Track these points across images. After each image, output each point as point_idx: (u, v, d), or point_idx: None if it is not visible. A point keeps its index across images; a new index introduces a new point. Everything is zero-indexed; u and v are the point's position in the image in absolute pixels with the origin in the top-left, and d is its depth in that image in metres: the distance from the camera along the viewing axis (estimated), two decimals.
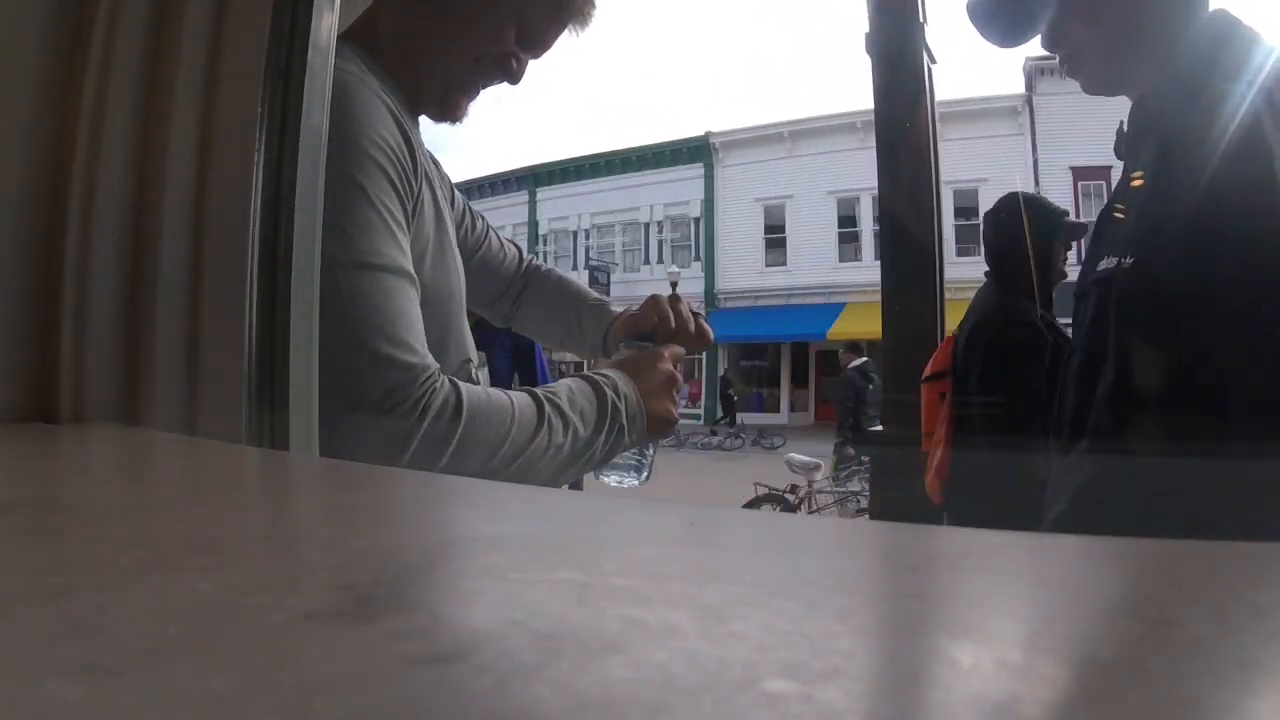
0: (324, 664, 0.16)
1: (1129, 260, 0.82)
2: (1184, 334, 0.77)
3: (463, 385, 0.69)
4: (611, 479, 0.89)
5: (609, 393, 0.78)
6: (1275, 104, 0.76)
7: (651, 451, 0.89)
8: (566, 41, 0.85)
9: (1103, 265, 0.86)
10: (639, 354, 0.86)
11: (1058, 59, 0.95)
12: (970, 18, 1.03)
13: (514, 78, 0.83)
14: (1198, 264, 0.76)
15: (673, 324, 0.91)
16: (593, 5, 0.84)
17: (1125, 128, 0.94)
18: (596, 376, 0.79)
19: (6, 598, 0.20)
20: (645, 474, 0.90)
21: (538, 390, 0.74)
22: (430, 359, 0.68)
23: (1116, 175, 0.99)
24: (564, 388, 0.76)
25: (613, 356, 0.90)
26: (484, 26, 0.79)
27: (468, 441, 0.67)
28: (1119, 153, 0.96)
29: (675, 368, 0.87)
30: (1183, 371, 0.77)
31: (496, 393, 0.72)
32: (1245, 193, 0.74)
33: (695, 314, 0.94)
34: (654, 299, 0.94)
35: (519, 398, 0.72)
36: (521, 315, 1.09)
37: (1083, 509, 0.83)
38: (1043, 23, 0.95)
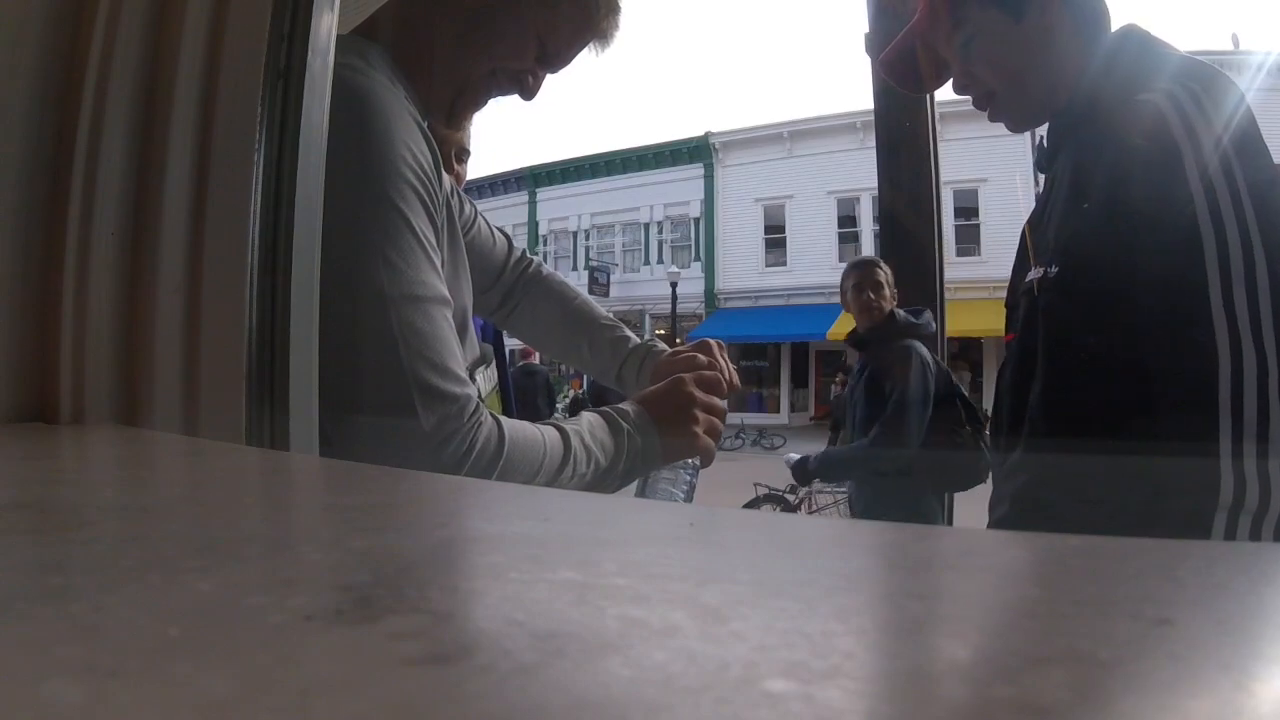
0: (324, 664, 0.16)
1: (1054, 270, 0.83)
2: (1108, 338, 0.78)
3: (503, 419, 0.70)
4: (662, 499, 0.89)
5: (624, 425, 0.79)
6: (1182, 108, 0.77)
7: (692, 476, 0.89)
8: (584, 58, 0.85)
9: (1030, 275, 0.88)
10: (660, 386, 0.86)
11: (973, 103, 0.96)
12: (880, 68, 1.04)
13: (529, 93, 0.82)
14: (1117, 269, 0.78)
15: (725, 374, 0.91)
16: (616, 27, 0.84)
17: (1044, 143, 0.96)
18: (612, 413, 0.80)
19: (6, 598, 0.20)
20: (692, 496, 0.90)
21: (564, 425, 0.76)
22: (473, 389, 0.69)
23: None
24: (585, 422, 0.77)
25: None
26: (507, 42, 0.78)
27: (507, 475, 0.68)
28: (1040, 167, 0.97)
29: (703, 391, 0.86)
30: (1110, 374, 0.78)
31: (529, 426, 0.73)
32: (1156, 196, 0.76)
33: (732, 366, 0.95)
34: (705, 343, 0.94)
35: (548, 432, 0.74)
36: (519, 320, 1.07)
37: (1023, 511, 0.85)
38: (950, 70, 0.96)
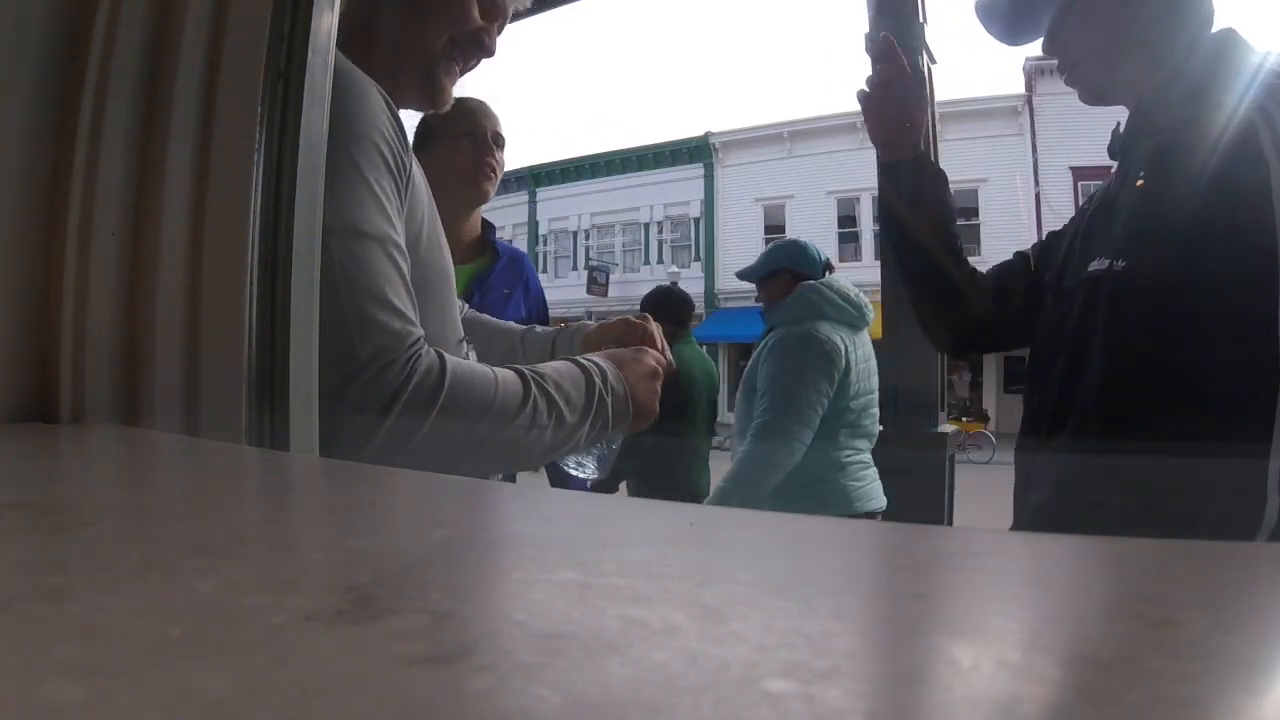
0: (324, 664, 0.16)
1: (1121, 263, 0.83)
2: (1174, 337, 0.78)
3: (447, 355, 0.70)
4: (571, 464, 0.89)
5: (597, 380, 0.78)
6: (1271, 118, 0.76)
7: (616, 445, 0.89)
8: (523, 8, 0.90)
9: (1093, 266, 0.87)
10: (626, 350, 0.86)
11: (1056, 66, 0.96)
12: (977, 13, 1.04)
13: (489, 50, 0.85)
14: (1190, 269, 0.77)
15: (661, 350, 0.92)
16: None
17: (1121, 129, 0.95)
18: (585, 363, 0.80)
19: (6, 598, 0.20)
20: (605, 467, 0.90)
21: (525, 369, 0.75)
22: (417, 327, 0.69)
23: None
24: (551, 369, 0.77)
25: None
26: (449, 8, 0.81)
27: (450, 410, 0.67)
28: (1113, 153, 0.97)
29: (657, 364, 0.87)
30: (1168, 377, 0.78)
31: (481, 367, 0.73)
32: (1239, 202, 0.76)
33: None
34: (626, 322, 0.95)
35: (504, 374, 0.73)
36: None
37: (1065, 501, 0.84)
38: (1045, 25, 0.96)
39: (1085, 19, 0.92)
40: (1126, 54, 0.91)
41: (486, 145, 1.62)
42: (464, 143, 1.61)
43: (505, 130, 1.66)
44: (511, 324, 1.08)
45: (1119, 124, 0.96)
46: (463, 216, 1.65)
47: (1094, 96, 0.96)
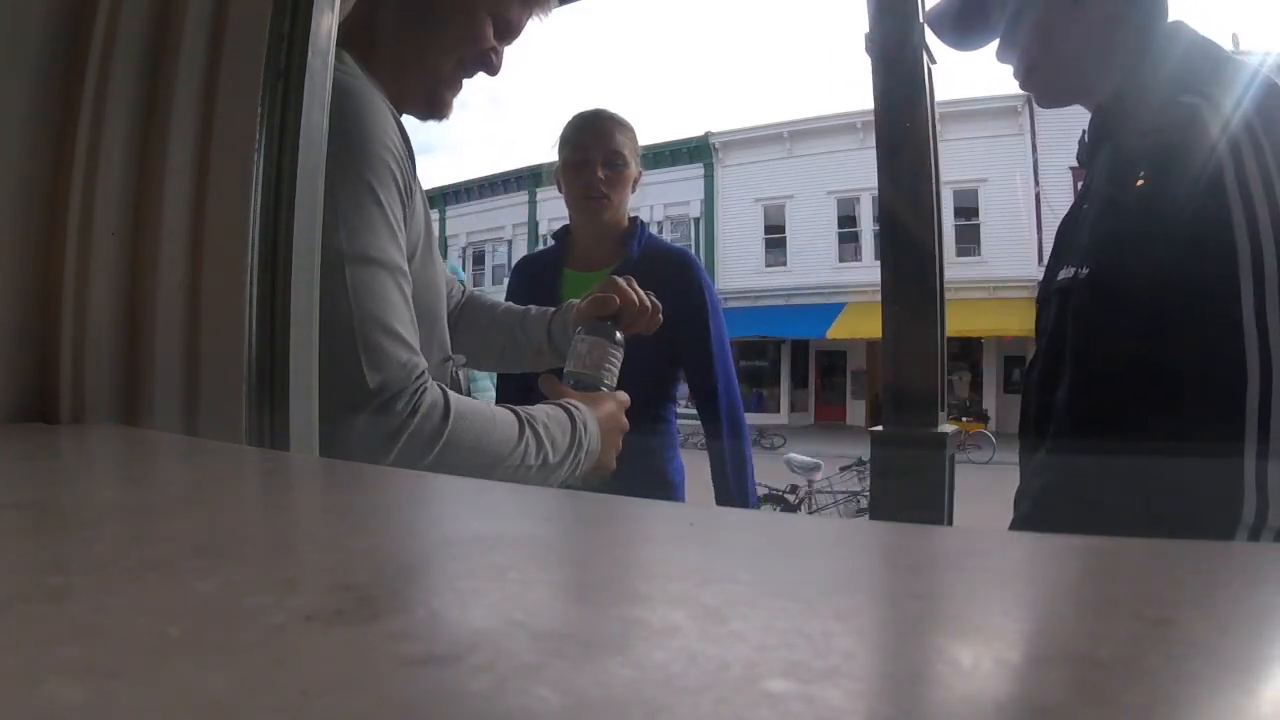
0: (324, 664, 0.16)
1: (1085, 271, 0.83)
2: (1137, 344, 0.78)
3: (449, 390, 0.71)
4: None
5: (580, 425, 0.80)
6: (1225, 115, 0.76)
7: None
8: (534, 27, 0.90)
9: (1061, 275, 0.87)
10: (605, 396, 0.88)
11: (1011, 71, 0.95)
12: (927, 18, 1.04)
13: (494, 70, 0.86)
14: (1148, 275, 0.77)
15: (635, 304, 0.94)
16: None
17: (1085, 137, 0.95)
18: (571, 408, 0.81)
19: (6, 598, 0.20)
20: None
21: (519, 409, 0.76)
22: (422, 358, 0.70)
23: None
24: (541, 411, 0.78)
25: (574, 341, 0.92)
26: (465, 27, 0.82)
27: (451, 445, 0.68)
28: (1081, 161, 0.96)
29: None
30: (1136, 380, 0.78)
31: (478, 403, 0.74)
32: (1192, 204, 0.75)
33: (647, 292, 0.98)
34: (612, 280, 0.96)
35: (500, 413, 0.74)
36: (459, 340, 1.09)
37: (1047, 510, 0.84)
38: (996, 31, 0.95)
39: (1040, 25, 0.90)
40: (1083, 57, 0.90)
41: (593, 169, 1.60)
42: (578, 168, 1.62)
43: (626, 146, 1.61)
44: (513, 305, 1.10)
45: (1084, 132, 0.96)
46: (591, 228, 1.66)
47: (1050, 100, 0.95)
